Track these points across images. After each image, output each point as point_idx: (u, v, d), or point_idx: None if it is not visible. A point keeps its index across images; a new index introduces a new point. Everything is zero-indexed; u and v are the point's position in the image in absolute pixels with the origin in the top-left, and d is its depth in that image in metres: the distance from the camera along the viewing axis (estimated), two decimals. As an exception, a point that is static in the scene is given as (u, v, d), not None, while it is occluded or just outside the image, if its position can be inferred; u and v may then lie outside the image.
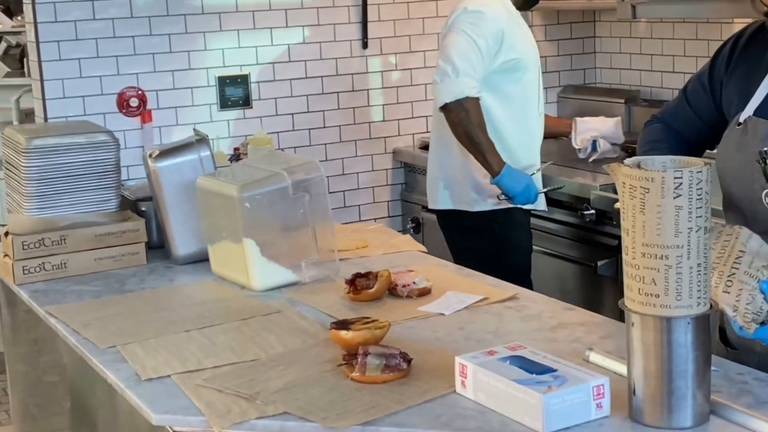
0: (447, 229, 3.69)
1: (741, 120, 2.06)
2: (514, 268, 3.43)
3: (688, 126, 2.29)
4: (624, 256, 1.70)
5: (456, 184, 3.57)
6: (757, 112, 2.04)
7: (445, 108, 3.37)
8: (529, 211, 3.60)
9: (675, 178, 1.61)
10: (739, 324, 1.81)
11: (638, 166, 1.67)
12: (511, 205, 3.48)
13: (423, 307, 2.38)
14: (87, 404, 2.68)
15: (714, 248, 1.83)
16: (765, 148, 1.98)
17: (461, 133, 3.38)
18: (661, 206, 1.62)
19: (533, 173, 3.53)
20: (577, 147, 4.11)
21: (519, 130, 3.52)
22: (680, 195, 1.61)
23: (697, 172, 1.62)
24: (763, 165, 1.99)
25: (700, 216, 1.63)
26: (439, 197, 3.63)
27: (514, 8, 3.55)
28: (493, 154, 3.38)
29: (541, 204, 3.63)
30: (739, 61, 2.16)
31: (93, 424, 2.64)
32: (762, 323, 1.80)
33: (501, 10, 3.45)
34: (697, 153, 2.22)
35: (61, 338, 2.48)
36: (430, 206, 3.72)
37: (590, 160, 4.06)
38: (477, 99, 3.35)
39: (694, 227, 1.62)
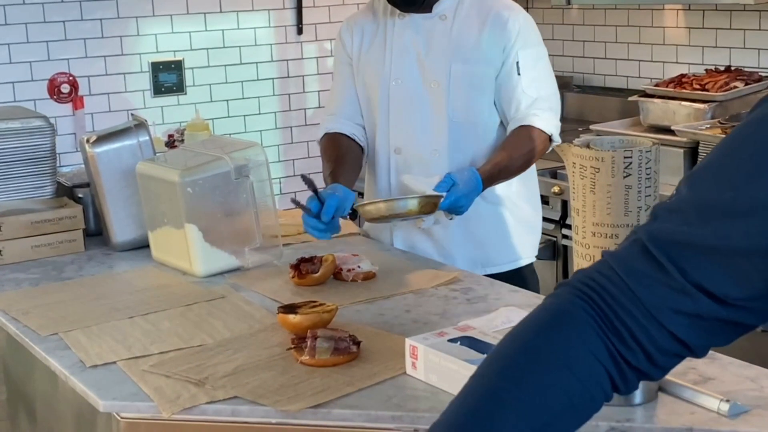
0: None
1: None
2: None
3: None
4: (574, 235, 1.71)
5: None
6: None
7: None
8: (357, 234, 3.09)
9: (625, 157, 1.63)
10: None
11: (588, 146, 1.69)
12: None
13: (469, 322, 2.04)
14: (24, 393, 2.63)
15: None
16: None
17: None
18: (611, 185, 1.64)
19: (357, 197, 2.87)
20: None
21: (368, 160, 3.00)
22: (630, 174, 1.64)
23: (646, 152, 1.64)
24: None
25: (649, 195, 1.65)
26: None
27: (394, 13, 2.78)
28: (329, 181, 2.84)
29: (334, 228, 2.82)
30: None
31: (31, 413, 2.59)
32: None
33: (354, 25, 2.87)
34: None
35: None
36: None
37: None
38: (324, 136, 2.91)
39: (644, 206, 1.65)
